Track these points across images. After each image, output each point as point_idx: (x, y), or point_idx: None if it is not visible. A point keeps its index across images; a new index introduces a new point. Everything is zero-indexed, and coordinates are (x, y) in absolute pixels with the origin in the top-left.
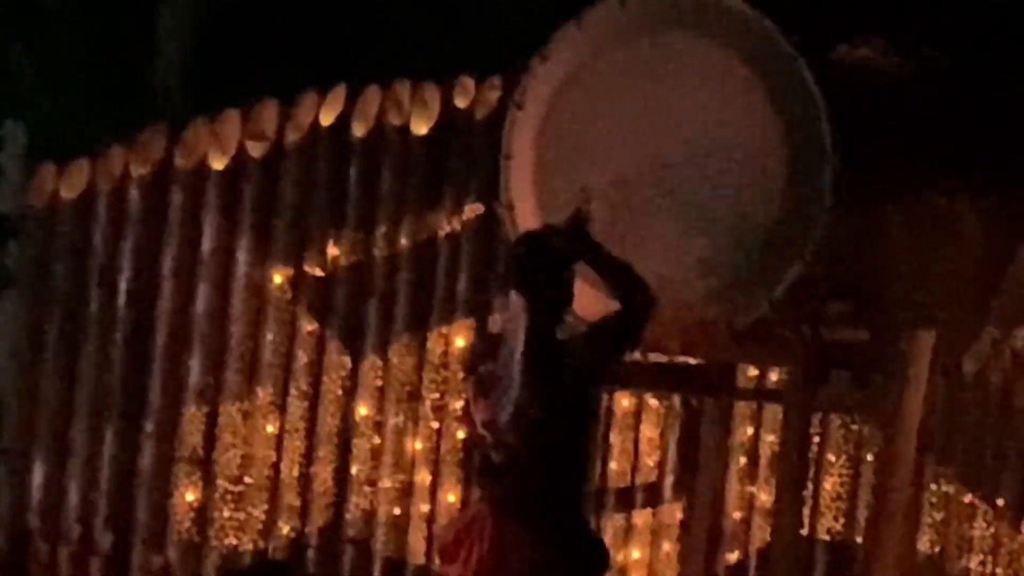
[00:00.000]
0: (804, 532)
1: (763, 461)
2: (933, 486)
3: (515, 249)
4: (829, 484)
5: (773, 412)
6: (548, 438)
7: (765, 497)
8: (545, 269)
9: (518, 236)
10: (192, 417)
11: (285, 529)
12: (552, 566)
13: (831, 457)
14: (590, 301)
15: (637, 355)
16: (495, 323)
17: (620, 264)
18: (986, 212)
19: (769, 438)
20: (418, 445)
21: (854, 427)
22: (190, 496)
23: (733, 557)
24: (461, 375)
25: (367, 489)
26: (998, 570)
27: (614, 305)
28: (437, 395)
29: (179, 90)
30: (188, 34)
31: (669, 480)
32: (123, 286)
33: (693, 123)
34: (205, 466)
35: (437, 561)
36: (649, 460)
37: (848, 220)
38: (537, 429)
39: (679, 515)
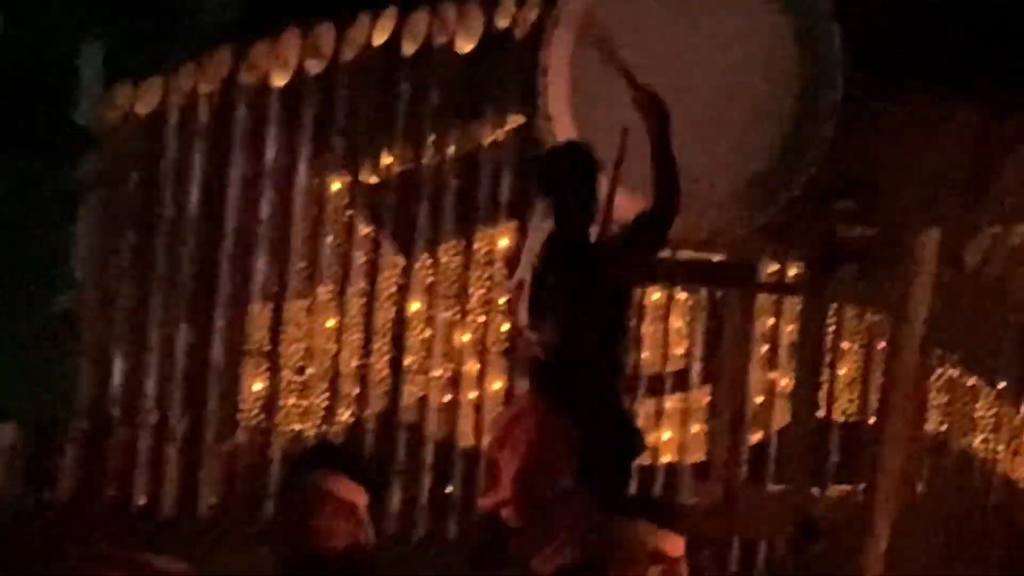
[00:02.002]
0: (820, 414)
1: (783, 349)
2: (939, 370)
3: (549, 157)
4: (843, 370)
5: (791, 303)
6: (585, 334)
7: (785, 382)
8: (576, 176)
9: (551, 146)
10: (259, 313)
11: (345, 415)
12: (593, 450)
13: (845, 345)
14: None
15: (666, 252)
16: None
17: (674, 161)
18: (984, 114)
19: (788, 328)
20: (466, 337)
21: (866, 317)
22: (257, 386)
23: (756, 437)
24: (505, 276)
25: (419, 378)
26: (999, 447)
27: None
28: (483, 291)
29: (243, 13)
30: None
31: (696, 367)
32: (193, 193)
33: (716, 36)
34: (271, 358)
35: (490, 449)
36: (678, 349)
37: (856, 123)
38: (575, 326)
39: (706, 399)
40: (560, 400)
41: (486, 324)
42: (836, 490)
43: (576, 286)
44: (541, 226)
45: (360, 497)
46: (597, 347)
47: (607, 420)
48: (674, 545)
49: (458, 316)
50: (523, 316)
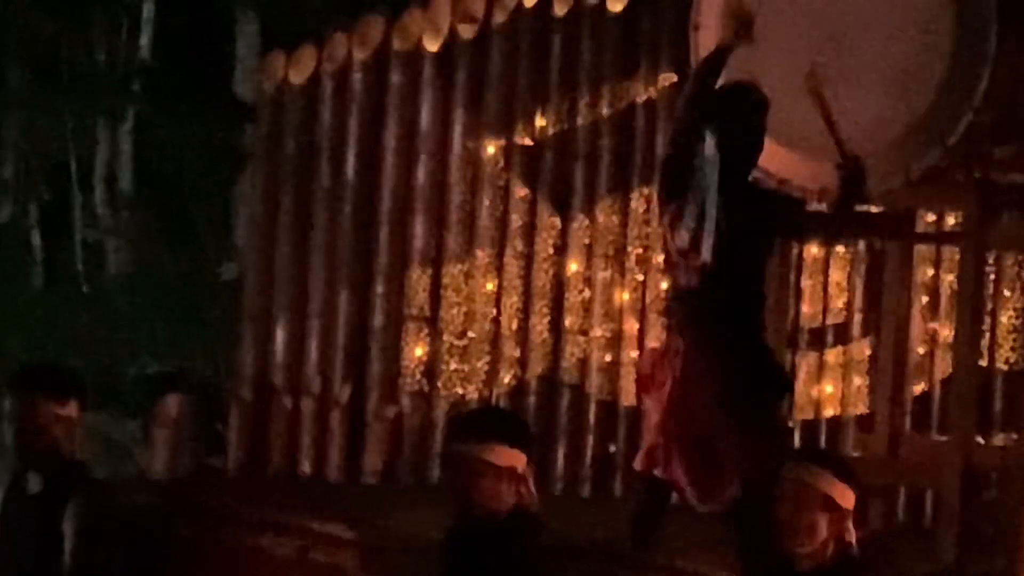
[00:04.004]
0: (983, 363)
1: (943, 299)
2: None
3: (719, 95)
4: (1005, 318)
5: (951, 253)
6: (735, 261)
7: (946, 332)
8: (744, 114)
9: (721, 84)
10: (418, 278)
11: (507, 378)
12: (738, 390)
13: (1006, 292)
14: (782, 159)
15: (823, 205)
16: None
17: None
18: None
19: (948, 277)
20: (625, 296)
21: None
22: (419, 350)
23: (918, 388)
24: (659, 229)
25: (580, 338)
26: None
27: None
28: (641, 250)
29: None
30: None
31: (857, 319)
32: (350, 161)
33: None
34: (431, 323)
35: (636, 393)
36: (838, 302)
37: (1013, 67)
38: (726, 250)
39: (867, 351)
40: (704, 336)
41: (645, 283)
42: (1001, 438)
43: (732, 219)
44: (709, 159)
45: (518, 460)
46: (743, 277)
47: (751, 359)
48: (845, 496)
49: (617, 275)
50: (677, 242)
